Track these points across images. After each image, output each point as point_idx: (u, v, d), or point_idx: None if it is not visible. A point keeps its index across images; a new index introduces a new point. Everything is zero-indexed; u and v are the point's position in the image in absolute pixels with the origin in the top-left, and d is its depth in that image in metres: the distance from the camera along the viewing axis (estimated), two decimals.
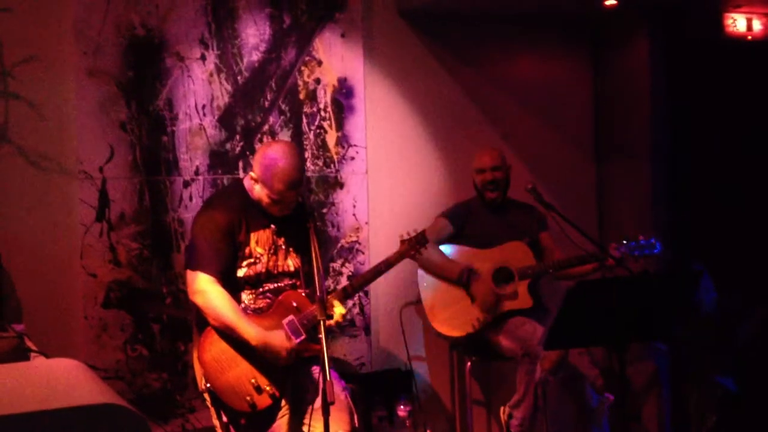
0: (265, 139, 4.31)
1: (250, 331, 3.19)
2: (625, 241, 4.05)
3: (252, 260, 3.32)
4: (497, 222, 4.33)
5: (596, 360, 4.31)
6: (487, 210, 4.37)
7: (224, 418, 3.25)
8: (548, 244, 4.41)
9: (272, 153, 3.29)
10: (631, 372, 4.42)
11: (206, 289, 3.22)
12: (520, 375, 4.09)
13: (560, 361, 3.90)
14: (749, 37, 5.02)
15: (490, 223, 4.31)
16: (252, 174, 3.32)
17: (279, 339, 3.21)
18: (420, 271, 4.27)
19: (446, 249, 4.28)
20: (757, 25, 5.00)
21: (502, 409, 4.24)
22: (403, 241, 3.63)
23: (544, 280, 4.37)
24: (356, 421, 3.33)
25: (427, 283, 4.26)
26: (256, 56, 4.32)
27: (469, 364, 4.38)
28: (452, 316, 4.18)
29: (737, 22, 4.98)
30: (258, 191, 3.31)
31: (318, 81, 4.46)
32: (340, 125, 4.51)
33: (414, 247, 3.61)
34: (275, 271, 3.36)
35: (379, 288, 4.55)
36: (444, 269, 4.20)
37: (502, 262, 4.19)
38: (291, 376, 3.31)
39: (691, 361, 4.65)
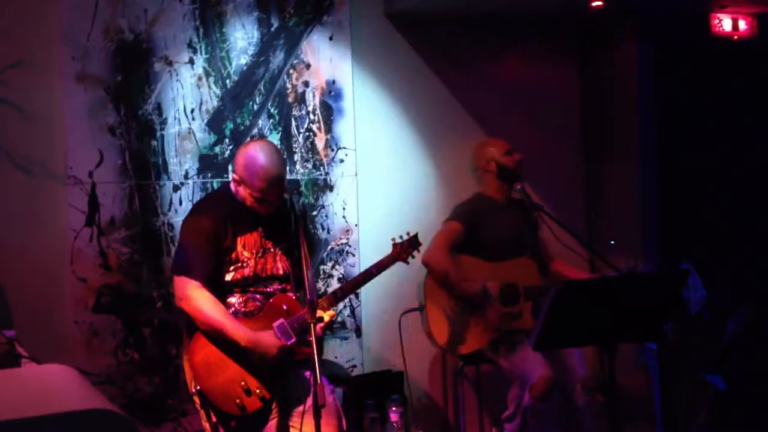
0: None
1: (239, 331, 3.19)
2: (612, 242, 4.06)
3: (239, 264, 3.33)
4: (507, 222, 4.21)
5: (588, 360, 4.33)
6: (496, 207, 4.24)
7: (213, 419, 3.25)
8: (542, 246, 4.35)
9: (250, 151, 3.30)
10: (620, 372, 4.45)
11: (193, 295, 3.22)
12: (511, 394, 4.09)
13: (548, 390, 3.84)
14: (735, 37, 5.05)
15: (501, 224, 4.19)
16: (234, 176, 3.33)
17: (268, 339, 3.22)
18: (427, 282, 4.15)
19: (456, 259, 4.16)
20: (743, 25, 5.04)
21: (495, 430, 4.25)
22: (395, 245, 3.64)
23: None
24: (344, 424, 3.35)
25: (433, 295, 4.14)
26: (244, 60, 4.33)
27: (461, 364, 4.39)
28: (457, 333, 4.11)
29: (723, 23, 5.01)
30: (241, 192, 3.32)
31: (306, 84, 4.47)
32: (329, 128, 4.52)
33: (406, 250, 3.62)
34: (263, 275, 3.36)
35: (371, 290, 4.56)
36: (459, 287, 4.07)
37: (509, 279, 4.08)
38: (281, 379, 3.32)
39: (680, 360, 4.67)
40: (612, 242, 4.08)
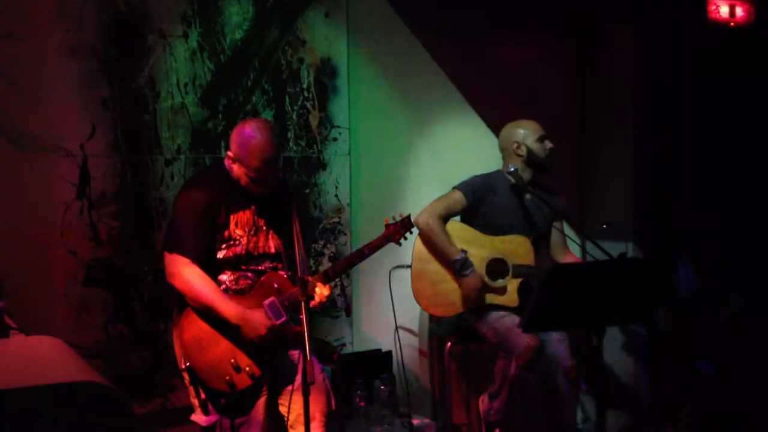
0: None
1: (230, 308, 3.19)
2: (605, 225, 4.05)
3: (231, 242, 3.31)
4: (515, 208, 4.14)
5: (574, 350, 4.32)
6: (509, 190, 4.15)
7: (202, 396, 3.25)
8: (556, 237, 4.26)
9: (247, 130, 3.27)
10: (608, 357, 4.46)
11: (183, 272, 3.21)
12: (497, 367, 4.09)
13: (534, 357, 3.83)
14: (732, 24, 5.04)
15: (507, 209, 4.13)
16: (229, 153, 3.31)
17: (259, 316, 3.21)
18: (417, 242, 4.14)
19: (450, 224, 4.14)
20: (740, 12, 5.02)
21: (481, 398, 4.25)
22: (388, 225, 3.63)
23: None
24: (333, 403, 3.35)
25: (420, 255, 4.14)
26: (239, 35, 4.30)
27: (449, 344, 4.39)
28: (437, 294, 4.12)
29: (720, 9, 5.00)
30: (236, 170, 3.30)
31: (301, 61, 4.44)
32: (323, 106, 4.50)
33: (399, 231, 3.62)
34: (255, 253, 3.36)
35: (362, 268, 4.55)
36: (443, 251, 4.06)
37: (500, 253, 4.07)
38: (270, 358, 3.32)
39: (670, 346, 4.69)
40: (605, 225, 4.08)
